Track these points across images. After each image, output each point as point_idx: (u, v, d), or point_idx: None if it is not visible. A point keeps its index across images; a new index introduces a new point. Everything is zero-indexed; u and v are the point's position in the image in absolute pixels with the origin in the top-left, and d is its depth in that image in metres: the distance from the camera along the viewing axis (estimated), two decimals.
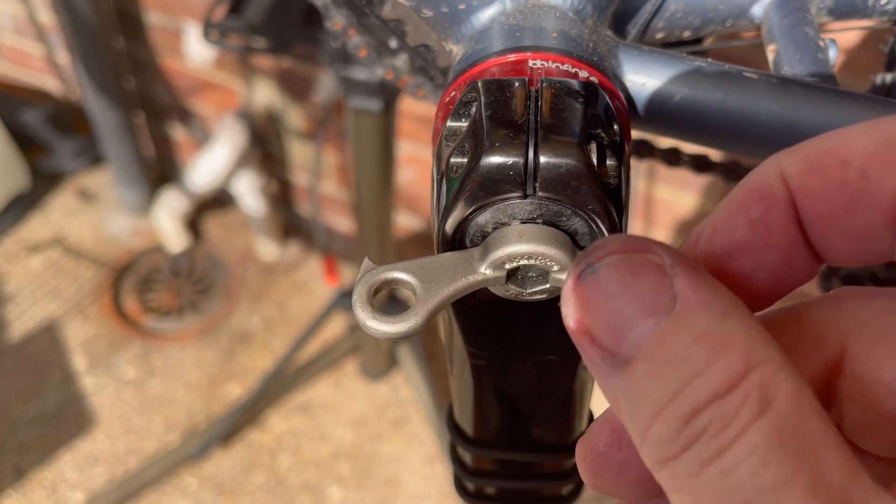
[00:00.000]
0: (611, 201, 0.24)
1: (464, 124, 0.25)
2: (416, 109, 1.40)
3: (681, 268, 0.18)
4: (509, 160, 0.23)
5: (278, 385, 1.57)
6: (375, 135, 1.03)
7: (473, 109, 0.25)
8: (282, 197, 1.81)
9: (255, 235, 1.80)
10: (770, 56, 0.31)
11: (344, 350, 1.64)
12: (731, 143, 0.28)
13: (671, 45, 0.34)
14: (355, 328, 1.61)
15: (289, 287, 1.77)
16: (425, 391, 1.51)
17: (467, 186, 0.23)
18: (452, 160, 0.24)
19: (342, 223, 1.79)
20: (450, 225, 0.25)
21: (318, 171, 1.58)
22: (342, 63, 0.96)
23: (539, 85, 0.24)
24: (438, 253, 0.26)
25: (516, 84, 0.24)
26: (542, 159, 0.23)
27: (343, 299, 1.38)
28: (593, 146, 0.23)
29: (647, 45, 0.29)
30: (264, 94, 1.55)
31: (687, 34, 0.33)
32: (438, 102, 0.29)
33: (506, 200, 0.24)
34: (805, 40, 0.30)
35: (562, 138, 0.23)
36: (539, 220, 0.24)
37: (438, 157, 0.26)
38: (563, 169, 0.23)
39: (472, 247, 0.26)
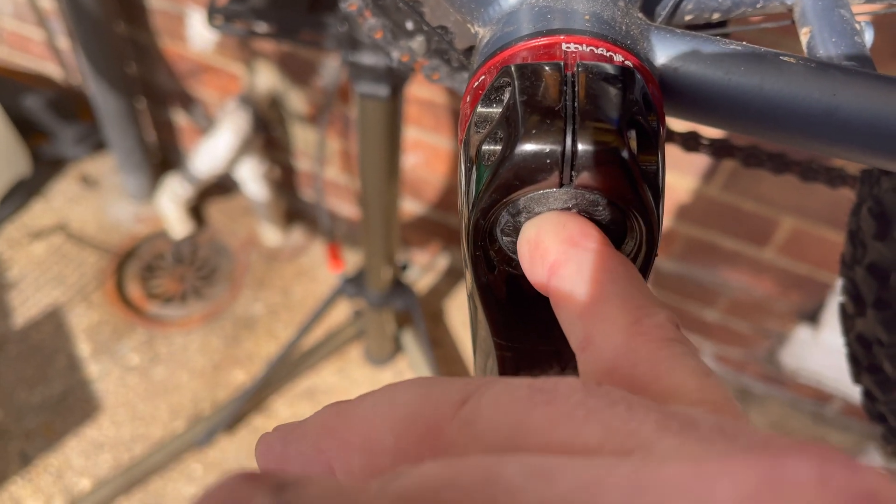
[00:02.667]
0: (650, 191, 0.23)
1: (496, 110, 0.24)
2: (421, 94, 1.39)
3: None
4: (546, 148, 0.22)
5: (283, 371, 1.57)
6: (382, 121, 1.02)
7: (506, 95, 0.24)
8: (285, 182, 1.80)
9: (259, 221, 1.80)
10: (804, 39, 0.30)
11: (348, 336, 1.63)
12: (768, 129, 0.27)
13: (698, 27, 0.33)
14: (359, 314, 1.61)
15: (293, 273, 1.77)
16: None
17: (501, 175, 0.23)
18: (484, 147, 0.24)
19: (346, 209, 1.79)
20: (481, 213, 0.24)
21: (322, 157, 1.57)
22: (349, 48, 0.95)
23: (575, 69, 0.23)
24: (466, 247, 0.26)
25: (552, 68, 0.23)
26: (581, 147, 0.22)
27: (347, 285, 1.37)
28: (633, 133, 0.23)
29: (678, 28, 0.28)
30: (267, 79, 1.53)
31: (716, 16, 0.32)
32: (465, 87, 0.28)
33: (541, 189, 0.23)
34: (840, 23, 0.29)
35: (601, 125, 0.22)
36: (574, 209, 0.23)
37: (467, 143, 0.25)
38: (602, 157, 0.22)
39: (502, 237, 0.25)
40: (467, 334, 1.70)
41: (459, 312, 1.74)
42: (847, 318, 0.44)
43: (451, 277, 1.78)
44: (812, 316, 1.44)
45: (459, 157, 0.26)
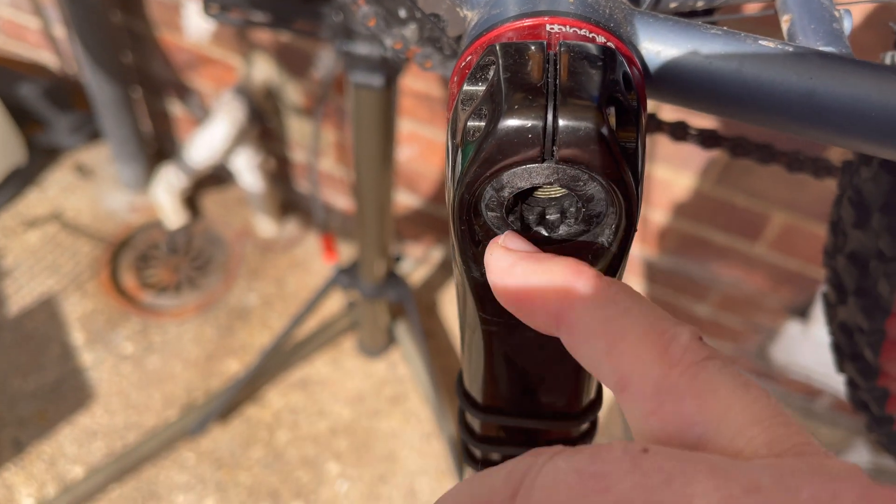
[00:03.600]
0: (629, 167, 0.24)
1: (481, 88, 0.25)
2: (415, 86, 1.39)
3: None
4: (528, 123, 0.23)
5: (276, 361, 1.57)
6: (376, 111, 1.02)
7: (491, 73, 0.25)
8: (280, 174, 1.80)
9: (254, 212, 1.80)
10: (784, 26, 0.31)
11: (342, 327, 1.64)
12: (746, 112, 0.28)
13: (684, 14, 0.34)
14: (353, 305, 1.62)
15: (287, 264, 1.77)
16: (423, 369, 1.52)
17: (485, 149, 0.23)
18: (470, 124, 0.24)
19: (340, 200, 1.79)
20: (466, 188, 0.25)
21: (317, 148, 1.58)
22: (344, 38, 0.96)
23: (557, 48, 0.24)
24: (452, 223, 0.26)
25: (535, 47, 0.24)
26: (562, 122, 0.23)
27: (341, 277, 1.38)
28: (612, 111, 0.23)
29: (662, 14, 0.28)
30: (263, 70, 1.54)
31: (700, 4, 0.33)
32: (453, 68, 0.29)
33: (524, 164, 0.24)
34: (820, 10, 0.30)
35: (581, 102, 0.23)
36: (556, 185, 0.24)
37: (454, 121, 0.26)
38: (582, 132, 0.23)
39: (487, 212, 0.26)
40: None
41: (453, 305, 1.74)
42: (830, 307, 0.45)
43: (444, 270, 1.79)
44: (802, 311, 1.45)
45: (447, 135, 0.27)
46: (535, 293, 0.23)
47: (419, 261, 1.80)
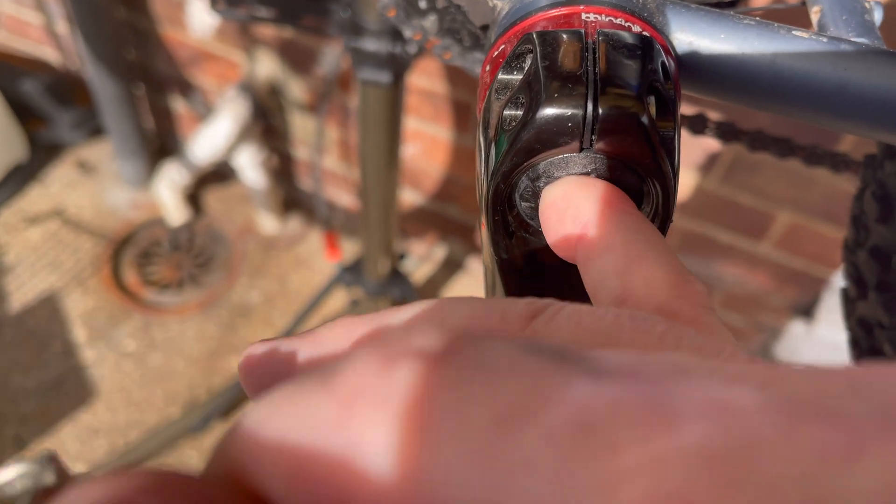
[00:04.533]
0: (667, 157, 0.23)
1: (516, 77, 0.25)
2: (420, 84, 1.39)
3: None
4: (567, 111, 0.22)
5: None
6: (383, 108, 1.02)
7: (527, 62, 0.25)
8: (283, 171, 1.80)
9: (256, 209, 1.80)
10: (814, 17, 0.31)
11: None
12: (779, 104, 0.28)
13: (711, 4, 0.34)
14: (356, 303, 1.61)
15: (289, 261, 1.77)
16: None
17: (523, 138, 0.23)
18: (506, 112, 0.24)
19: (343, 198, 1.79)
20: (502, 177, 0.24)
21: (321, 146, 1.57)
22: (351, 34, 0.95)
23: (595, 37, 0.24)
24: (485, 213, 0.26)
25: (573, 36, 0.24)
26: (602, 111, 0.22)
27: (344, 274, 1.37)
28: (651, 100, 0.23)
29: (693, 4, 0.28)
30: (267, 67, 1.53)
31: None
32: (485, 57, 0.28)
33: (562, 153, 0.23)
34: (850, 2, 0.30)
35: (621, 90, 0.22)
36: (592, 174, 0.24)
37: (487, 110, 0.26)
38: (623, 121, 0.22)
39: (521, 202, 0.25)
40: None
41: None
42: (849, 303, 0.45)
43: (448, 268, 1.79)
44: (807, 310, 1.45)
45: (478, 125, 0.27)
46: (570, 205, 0.23)
47: (423, 258, 1.79)
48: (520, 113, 0.24)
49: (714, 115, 0.45)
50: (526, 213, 0.26)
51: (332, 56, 1.44)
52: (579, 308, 0.17)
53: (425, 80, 1.38)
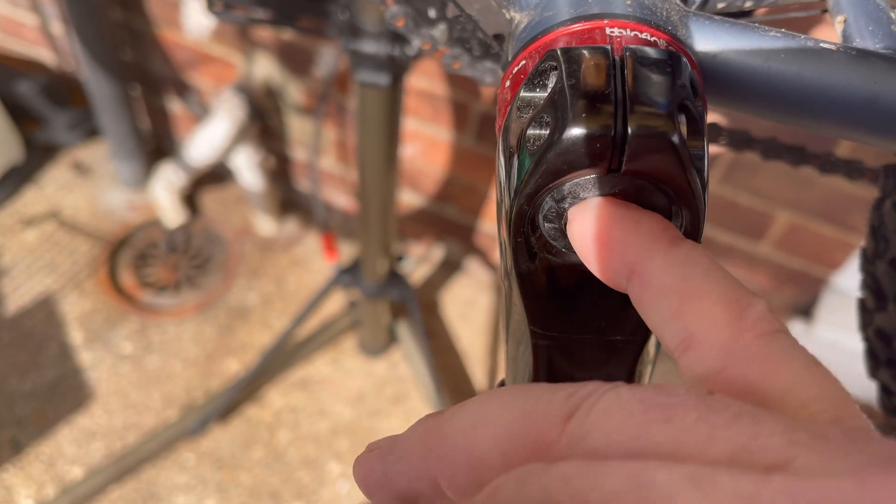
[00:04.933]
0: (697, 177, 0.23)
1: (540, 94, 0.24)
2: (419, 85, 1.38)
3: None
4: (596, 132, 0.22)
5: (277, 361, 1.56)
6: (382, 110, 1.01)
7: (551, 79, 0.24)
8: (280, 172, 1.79)
9: (253, 211, 1.79)
10: (838, 28, 0.30)
11: (342, 326, 1.63)
12: (807, 118, 0.27)
13: (732, 15, 0.33)
14: (354, 305, 1.61)
15: (287, 263, 1.76)
16: (424, 368, 1.51)
17: (549, 159, 0.22)
18: (530, 132, 0.23)
19: (341, 199, 1.78)
20: (525, 199, 0.24)
21: (318, 147, 1.56)
22: (350, 36, 0.94)
23: (623, 53, 0.23)
24: (507, 235, 0.26)
25: (599, 53, 0.23)
26: (632, 131, 0.22)
27: (342, 276, 1.37)
28: (682, 118, 0.23)
29: (717, 16, 0.28)
30: (264, 68, 1.52)
31: (749, 4, 0.32)
32: (504, 73, 0.28)
33: (590, 174, 0.23)
34: (876, 11, 0.29)
35: (651, 109, 0.22)
36: (620, 196, 0.23)
37: (507, 129, 0.25)
38: (653, 142, 0.22)
39: (544, 223, 0.25)
40: (462, 326, 1.70)
41: (455, 304, 1.73)
42: (866, 313, 0.44)
43: (446, 269, 1.78)
44: (806, 311, 1.45)
45: (498, 144, 0.26)
46: (615, 237, 0.22)
47: (421, 260, 1.79)
48: (545, 132, 0.23)
49: (725, 123, 0.44)
50: (549, 235, 0.25)
51: (329, 57, 1.43)
52: (611, 403, 0.16)
53: (424, 81, 1.37)
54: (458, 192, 1.59)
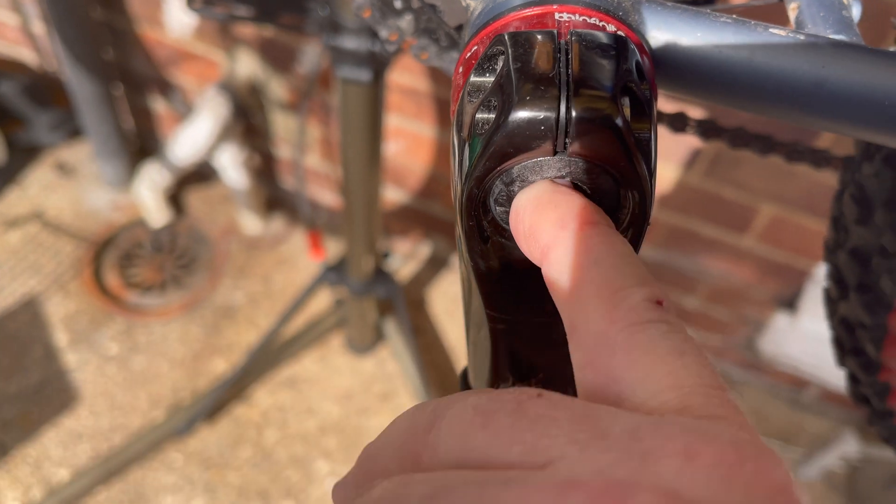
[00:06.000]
0: (643, 160, 0.23)
1: (489, 79, 0.24)
2: (402, 81, 1.38)
3: None
4: (540, 114, 0.22)
5: (264, 360, 1.56)
6: (364, 106, 1.01)
7: (500, 63, 0.24)
8: (265, 170, 1.78)
9: (239, 209, 1.78)
10: (792, 14, 0.30)
11: (329, 325, 1.63)
12: (757, 102, 0.27)
13: (689, 2, 0.33)
14: (341, 302, 1.60)
15: (273, 261, 1.76)
16: (412, 365, 1.51)
17: (495, 142, 0.23)
18: (478, 116, 0.23)
19: (326, 197, 1.78)
20: (475, 182, 0.24)
21: (302, 144, 1.56)
22: (330, 32, 0.94)
23: (568, 37, 0.23)
24: (459, 218, 0.26)
25: (545, 37, 0.23)
26: (576, 114, 0.22)
27: (328, 274, 1.37)
28: (626, 101, 0.23)
29: (669, 2, 0.28)
30: (247, 66, 1.52)
31: None
32: (457, 59, 0.28)
33: (536, 157, 0.23)
34: None
35: (595, 92, 0.22)
36: (567, 178, 0.23)
37: (461, 113, 0.25)
38: (597, 124, 0.22)
39: (495, 207, 0.25)
40: (449, 322, 1.70)
41: (442, 300, 1.73)
42: (831, 303, 0.44)
43: (432, 266, 1.78)
44: (790, 303, 1.45)
45: (452, 128, 0.26)
46: (533, 220, 0.23)
47: (407, 257, 1.79)
48: (492, 116, 0.23)
49: (695, 113, 0.45)
50: (501, 218, 0.25)
51: (312, 54, 1.43)
52: (455, 414, 0.18)
53: (407, 77, 1.37)
54: (444, 188, 1.59)
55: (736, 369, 1.66)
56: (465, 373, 0.35)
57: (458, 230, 0.26)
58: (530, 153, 0.23)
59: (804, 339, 1.46)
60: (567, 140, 0.22)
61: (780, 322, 1.48)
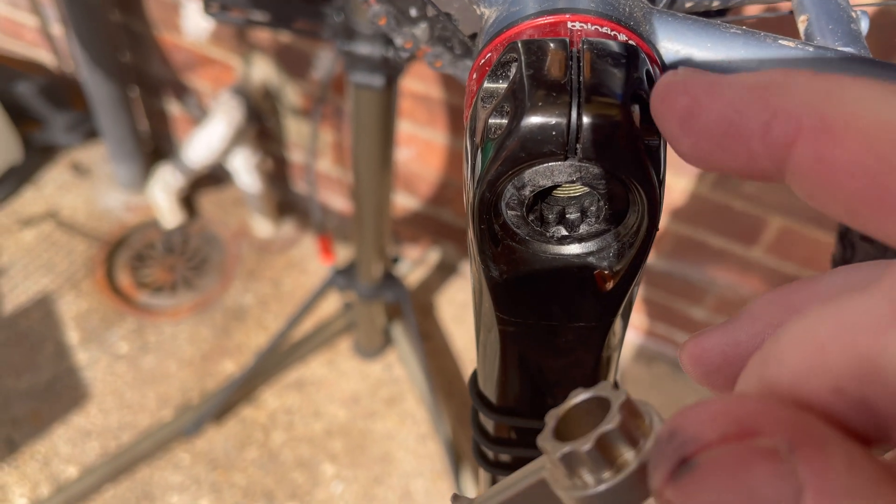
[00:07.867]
0: (652, 166, 0.24)
1: (502, 85, 0.25)
2: (414, 88, 1.39)
3: (802, 450, 0.14)
4: (552, 120, 0.23)
5: (272, 362, 1.57)
6: (376, 112, 1.02)
7: (513, 70, 0.25)
8: (277, 174, 1.80)
9: (250, 212, 1.80)
10: (801, 27, 0.31)
11: (338, 328, 1.64)
12: None
13: (699, 14, 0.34)
14: (349, 306, 1.61)
15: (283, 265, 1.77)
16: (419, 370, 1.52)
17: (507, 147, 0.23)
18: (491, 121, 0.24)
19: (337, 201, 1.79)
20: (487, 186, 0.24)
21: (315, 149, 1.57)
22: (344, 38, 0.95)
23: (580, 46, 0.24)
24: (471, 222, 0.26)
25: (557, 44, 0.24)
26: (586, 120, 0.22)
27: (338, 278, 1.37)
28: (636, 108, 0.23)
29: (680, 13, 0.28)
30: (262, 71, 1.53)
31: (716, 4, 0.33)
32: (471, 66, 0.29)
33: (547, 161, 0.23)
34: (837, 11, 0.30)
35: (605, 99, 0.23)
36: (578, 183, 0.24)
37: (474, 119, 0.26)
38: (606, 130, 0.22)
39: (507, 210, 0.26)
40: (457, 328, 1.70)
41: (449, 306, 1.74)
42: None
43: (441, 272, 1.79)
44: None
45: (465, 133, 0.27)
46: (751, 111, 0.17)
47: (416, 262, 1.80)
48: (505, 121, 0.24)
49: None
50: (512, 222, 0.26)
51: (326, 60, 1.44)
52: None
53: (419, 83, 1.38)
54: (454, 195, 1.60)
55: None
56: (474, 377, 0.35)
57: (470, 233, 0.27)
58: (541, 158, 0.23)
59: None
60: (578, 146, 0.23)
61: None
